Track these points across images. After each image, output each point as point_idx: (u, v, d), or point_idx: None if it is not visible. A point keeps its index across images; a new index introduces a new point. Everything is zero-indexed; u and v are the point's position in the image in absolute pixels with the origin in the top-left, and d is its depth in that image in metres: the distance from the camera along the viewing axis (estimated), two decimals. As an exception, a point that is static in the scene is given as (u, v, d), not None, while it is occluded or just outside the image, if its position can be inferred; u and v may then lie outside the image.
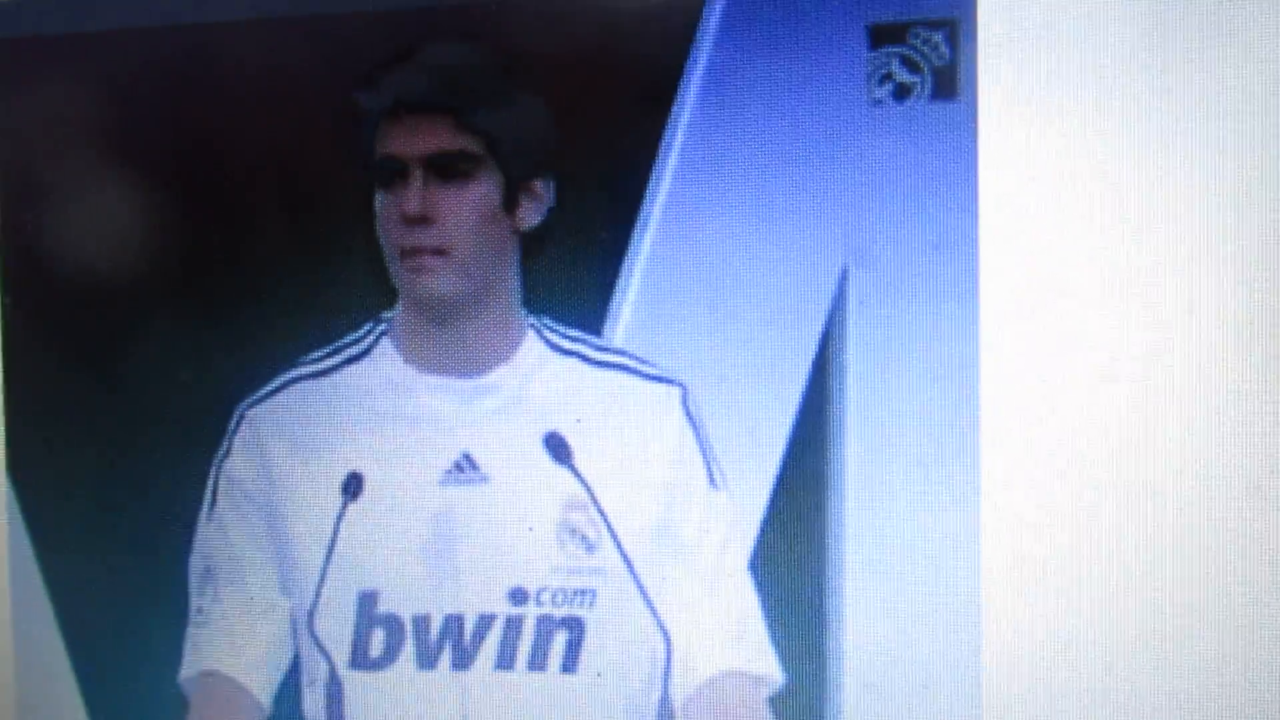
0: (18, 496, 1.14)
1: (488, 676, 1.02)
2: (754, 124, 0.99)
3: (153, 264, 1.10)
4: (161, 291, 1.10)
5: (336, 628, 1.04)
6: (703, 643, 1.01)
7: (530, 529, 1.02)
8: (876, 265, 0.98)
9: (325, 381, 1.06)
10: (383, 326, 1.06)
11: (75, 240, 1.13)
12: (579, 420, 1.02)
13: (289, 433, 1.06)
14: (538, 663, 1.02)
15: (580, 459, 1.02)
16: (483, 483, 1.03)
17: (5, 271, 1.14)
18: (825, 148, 0.98)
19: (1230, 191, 0.93)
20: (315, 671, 1.05)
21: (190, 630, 1.08)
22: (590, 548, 1.02)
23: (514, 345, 1.04)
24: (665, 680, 1.01)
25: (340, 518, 1.04)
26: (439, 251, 1.02)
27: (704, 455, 1.01)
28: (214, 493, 1.08)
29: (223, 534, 1.07)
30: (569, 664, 1.02)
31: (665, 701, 1.01)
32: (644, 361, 1.02)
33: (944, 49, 0.96)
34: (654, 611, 1.01)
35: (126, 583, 1.11)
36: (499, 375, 1.04)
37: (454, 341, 1.04)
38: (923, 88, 0.97)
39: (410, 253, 1.02)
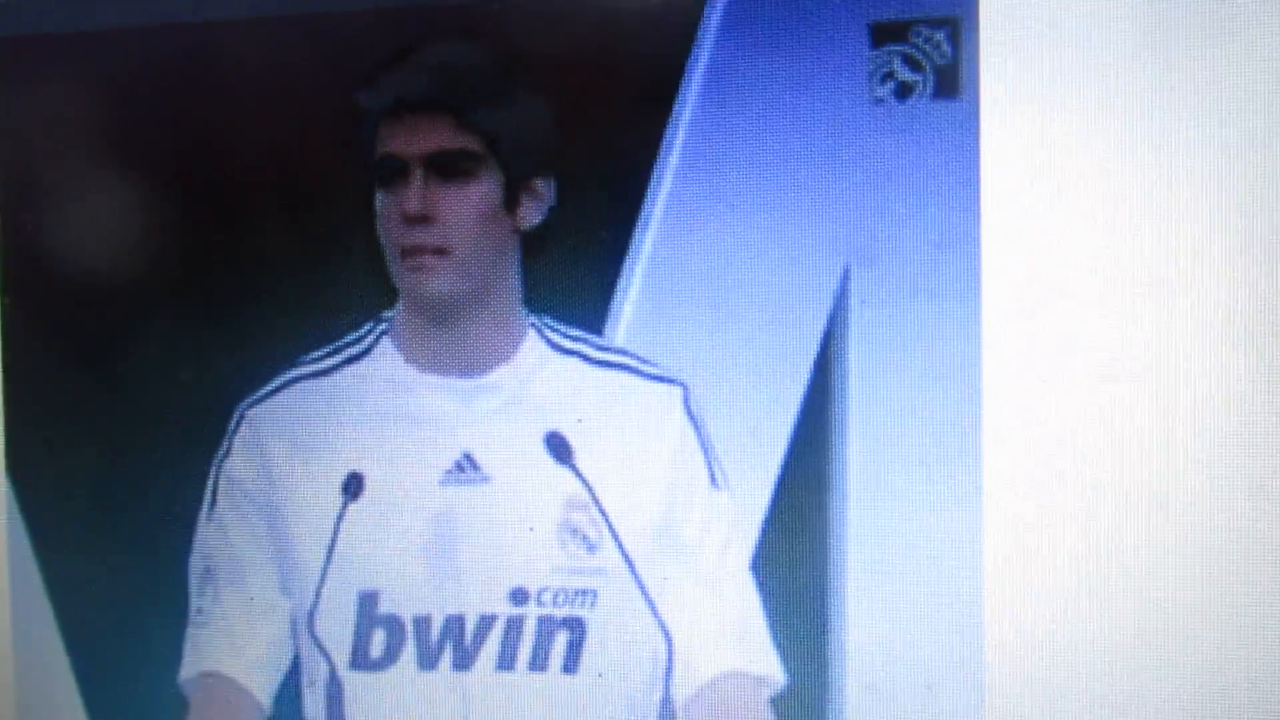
0: (18, 496, 1.14)
1: (489, 677, 1.02)
2: (755, 123, 0.99)
3: (153, 263, 1.10)
4: (161, 291, 1.10)
5: (337, 628, 1.04)
6: (704, 643, 1.01)
7: (531, 529, 1.02)
8: (878, 264, 0.98)
9: (326, 381, 1.06)
10: (383, 326, 1.06)
11: (75, 240, 1.12)
12: (580, 420, 1.02)
13: (289, 433, 1.06)
14: (539, 663, 1.02)
15: (581, 459, 1.02)
16: (484, 483, 1.03)
17: (5, 271, 1.13)
18: (827, 146, 0.98)
19: (1233, 190, 0.93)
20: (315, 672, 1.04)
21: (190, 631, 1.08)
22: (591, 548, 1.02)
23: (515, 345, 1.04)
24: (667, 681, 1.01)
25: (340, 518, 1.04)
26: (440, 251, 1.02)
27: (705, 455, 1.01)
28: (214, 493, 1.08)
29: (223, 534, 1.07)
30: (570, 664, 1.02)
31: (667, 702, 1.01)
32: (645, 361, 1.02)
33: (946, 47, 0.96)
34: (655, 612, 1.01)
35: (126, 583, 1.11)
36: (500, 375, 1.04)
37: (455, 341, 1.04)
38: (925, 86, 0.96)
39: (411, 252, 1.02)
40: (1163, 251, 0.93)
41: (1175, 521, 0.94)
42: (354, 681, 1.03)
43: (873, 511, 0.98)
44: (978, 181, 0.95)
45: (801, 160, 0.98)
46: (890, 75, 0.97)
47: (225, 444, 1.07)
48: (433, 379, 1.04)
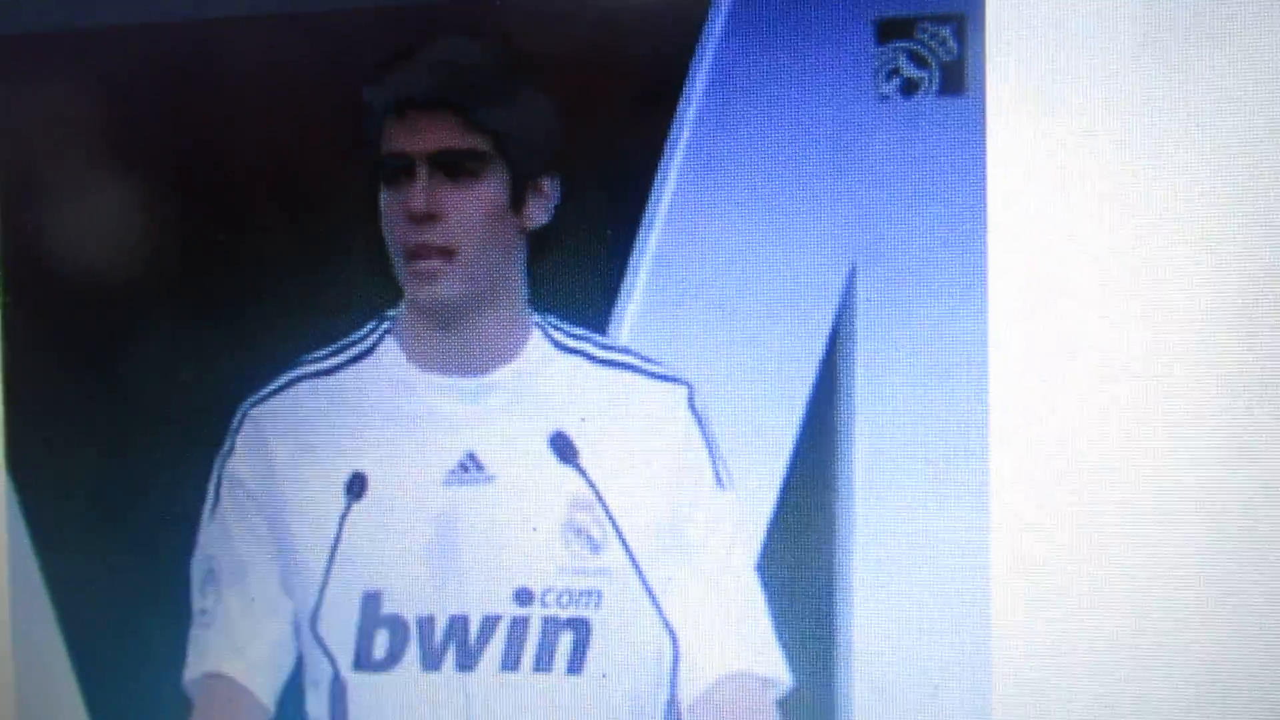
0: (18, 496, 1.13)
1: (493, 678, 1.02)
2: (760, 121, 0.99)
3: (154, 263, 1.10)
4: (163, 290, 1.10)
5: (340, 629, 1.03)
6: (709, 644, 1.01)
7: (535, 529, 1.02)
8: (884, 263, 0.97)
9: (329, 381, 1.06)
10: (386, 325, 1.05)
11: (75, 239, 1.12)
12: (584, 419, 1.02)
13: (292, 432, 1.05)
14: (543, 664, 1.01)
15: (586, 458, 1.01)
16: (487, 482, 1.02)
17: (5, 271, 1.13)
18: (832, 144, 0.98)
19: (1239, 188, 0.92)
20: (319, 673, 1.04)
21: (193, 632, 1.07)
22: (596, 548, 1.01)
23: (519, 344, 1.03)
24: (672, 681, 1.01)
25: (344, 518, 1.04)
26: (445, 250, 1.01)
27: (710, 455, 1.01)
28: (216, 493, 1.07)
29: (225, 534, 1.07)
30: (574, 665, 1.01)
31: (672, 703, 1.01)
32: (649, 360, 1.02)
33: (952, 44, 0.96)
34: (660, 612, 1.01)
35: (127, 583, 1.11)
36: (504, 374, 1.03)
37: (459, 341, 1.04)
38: (930, 83, 0.96)
39: (416, 251, 1.02)
40: (1169, 249, 0.93)
41: (1182, 521, 0.94)
42: (357, 682, 1.03)
43: (879, 511, 0.98)
44: (984, 178, 0.95)
45: (806, 158, 0.98)
46: (896, 72, 0.97)
47: (228, 443, 1.07)
48: (436, 378, 1.04)
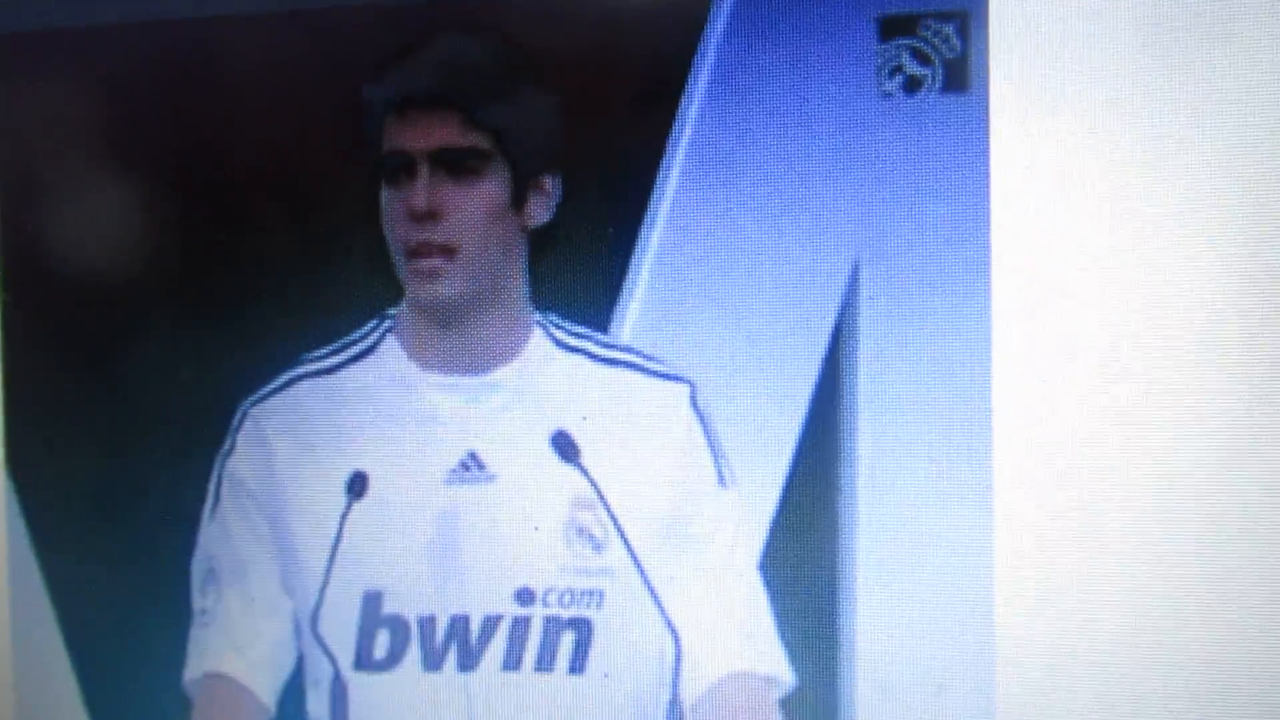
0: (18, 496, 1.13)
1: (494, 678, 1.02)
2: (762, 118, 0.98)
3: (155, 261, 1.10)
4: (164, 289, 1.10)
5: (340, 628, 1.03)
6: (712, 643, 1.00)
7: (537, 528, 1.01)
8: (887, 260, 0.97)
9: (330, 379, 1.05)
10: (387, 323, 1.05)
11: (75, 238, 1.12)
12: (585, 418, 1.02)
13: (293, 431, 1.05)
14: (545, 664, 1.01)
15: (587, 457, 1.01)
16: (489, 482, 1.02)
17: (5, 270, 1.13)
18: (835, 142, 0.98)
19: (1244, 185, 0.92)
20: (319, 673, 1.04)
21: (193, 631, 1.07)
22: (598, 547, 1.01)
23: (521, 342, 1.03)
24: (675, 681, 1.01)
25: (344, 517, 1.03)
26: (447, 249, 1.01)
27: (713, 453, 1.01)
28: (217, 492, 1.07)
29: (225, 534, 1.06)
30: (576, 665, 1.01)
31: (675, 702, 1.01)
32: (651, 358, 1.01)
33: (955, 41, 0.95)
34: (663, 611, 1.00)
35: (127, 583, 1.11)
36: (505, 373, 1.03)
37: (460, 339, 1.03)
38: (933, 80, 0.96)
39: (417, 250, 1.01)
40: (1172, 247, 0.93)
41: (1186, 521, 0.94)
42: (358, 682, 1.03)
43: (882, 510, 0.98)
44: (987, 176, 0.95)
45: (809, 155, 0.98)
46: (899, 69, 0.96)
47: (228, 442, 1.07)
48: (438, 377, 1.04)
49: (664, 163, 1.00)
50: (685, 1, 0.99)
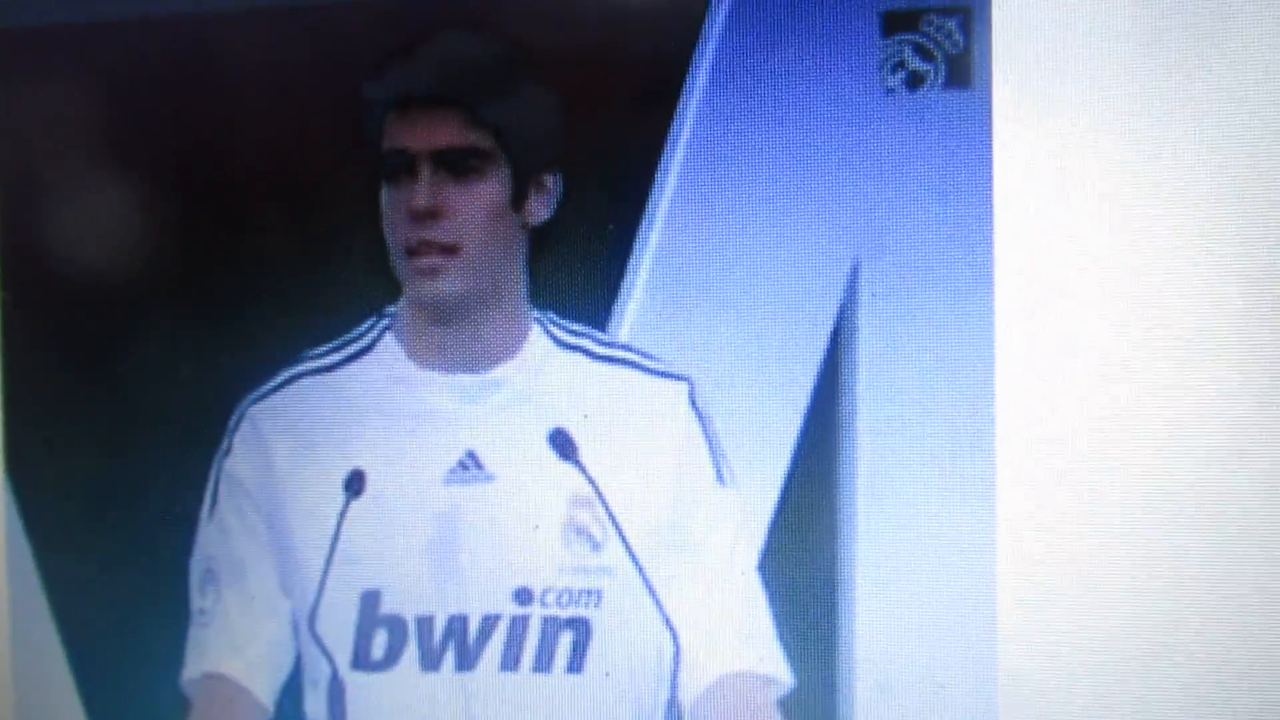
0: (17, 496, 1.13)
1: (492, 678, 1.01)
2: (763, 114, 0.98)
3: (153, 261, 1.10)
4: (162, 288, 1.10)
5: (338, 628, 1.03)
6: (711, 643, 1.00)
7: (536, 528, 1.01)
8: (888, 258, 0.97)
9: (327, 378, 1.05)
10: (386, 321, 1.05)
11: (75, 237, 1.12)
12: (585, 416, 1.01)
13: (291, 430, 1.05)
14: (543, 664, 1.01)
15: (586, 456, 1.01)
16: (487, 481, 1.02)
17: (4, 268, 1.13)
18: (836, 138, 0.97)
19: (1250, 181, 0.92)
20: (317, 672, 1.04)
21: (192, 632, 1.07)
22: (596, 546, 1.01)
23: (519, 341, 1.03)
24: (674, 681, 1.00)
25: (342, 516, 1.03)
26: (447, 248, 1.01)
27: (712, 452, 1.00)
28: (215, 492, 1.07)
29: (224, 534, 1.06)
30: (575, 664, 1.01)
31: (673, 702, 1.00)
32: (650, 357, 1.01)
33: (958, 36, 0.95)
34: (661, 611, 1.00)
35: (126, 583, 1.10)
36: (504, 371, 1.03)
37: (459, 338, 1.03)
38: (936, 76, 0.96)
39: (418, 249, 1.01)
40: (1175, 243, 0.92)
41: (1190, 520, 0.93)
42: (356, 682, 1.03)
43: (882, 509, 0.97)
44: (990, 172, 0.94)
45: (810, 151, 0.98)
46: (901, 65, 0.96)
47: (226, 442, 1.06)
48: (436, 376, 1.03)
49: (663, 160, 1.00)
50: (685, -3, 1.00)
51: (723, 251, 0.99)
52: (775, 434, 0.99)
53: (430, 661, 1.02)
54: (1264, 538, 0.93)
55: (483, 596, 1.01)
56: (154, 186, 1.09)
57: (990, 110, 0.94)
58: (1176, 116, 0.93)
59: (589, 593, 1.01)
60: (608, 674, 1.01)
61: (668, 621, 1.00)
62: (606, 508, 1.00)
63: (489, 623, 1.01)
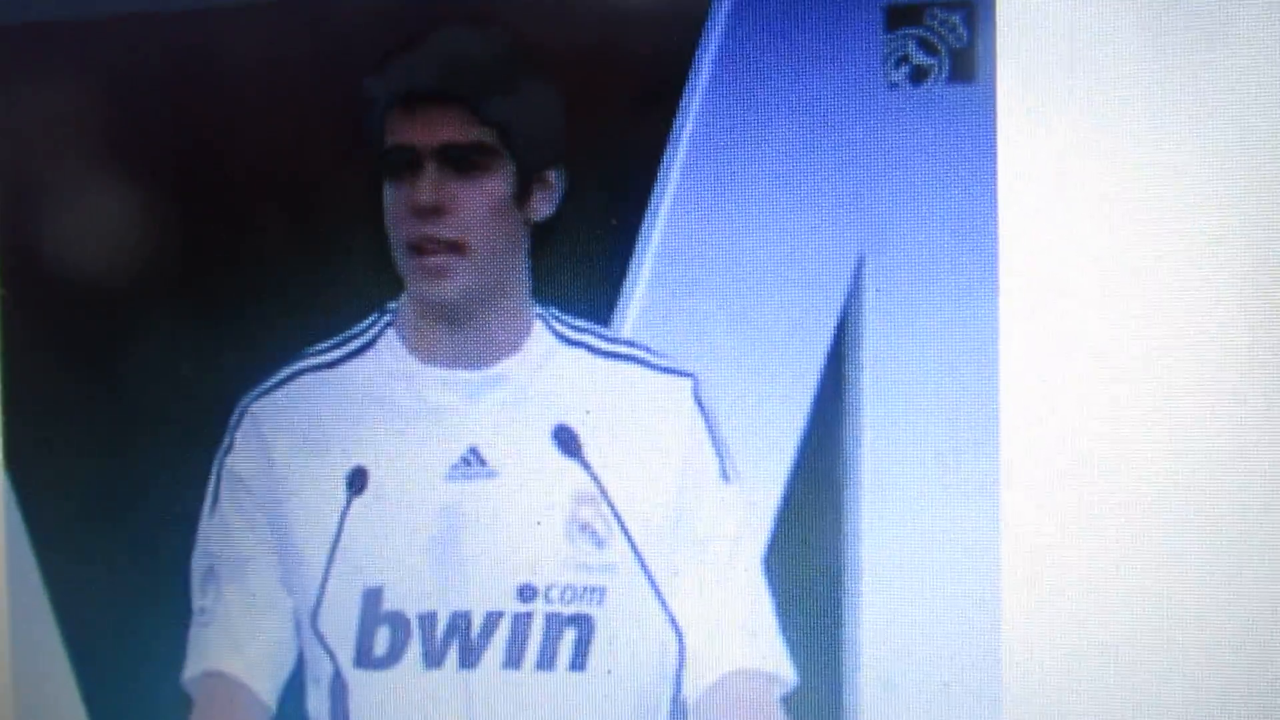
0: (17, 495, 1.13)
1: (494, 675, 1.01)
2: (767, 109, 0.98)
3: (154, 258, 1.09)
4: (162, 286, 1.09)
5: (340, 626, 1.02)
6: (715, 640, 1.00)
7: (539, 524, 1.01)
8: (893, 252, 0.97)
9: (329, 375, 1.05)
10: (387, 318, 1.05)
11: (75, 234, 1.12)
12: (588, 412, 1.01)
13: (292, 427, 1.05)
14: (546, 661, 1.01)
15: (590, 452, 1.01)
16: (490, 477, 1.01)
17: (3, 267, 1.12)
18: (840, 132, 0.97)
19: (1256, 176, 0.92)
20: (319, 670, 1.03)
21: (193, 630, 1.07)
22: (600, 543, 1.00)
23: (522, 336, 1.03)
24: (678, 678, 1.00)
25: (344, 513, 1.03)
26: (452, 245, 1.00)
27: (716, 448, 1.00)
28: (216, 490, 1.07)
29: (225, 531, 1.06)
30: (578, 662, 1.00)
31: (678, 699, 1.00)
32: (654, 352, 1.01)
33: (962, 30, 0.95)
34: (665, 608, 1.00)
35: (126, 582, 1.10)
36: (506, 367, 1.02)
37: (461, 334, 1.03)
38: (940, 70, 0.95)
39: (421, 246, 1.01)
40: (1183, 239, 0.92)
41: (1195, 517, 0.93)
42: (358, 680, 1.02)
43: (887, 506, 0.97)
44: (994, 167, 0.94)
45: (814, 146, 0.97)
46: (905, 59, 0.96)
47: (227, 439, 1.06)
48: (438, 372, 1.03)
49: (667, 155, 1.00)
50: (688, -7, 0.99)
51: (726, 247, 0.99)
52: (779, 430, 0.99)
53: (433, 659, 1.01)
54: (1267, 537, 0.92)
55: (485, 594, 1.01)
56: (153, 184, 1.09)
57: (994, 105, 0.94)
58: (1181, 111, 0.92)
59: (592, 590, 1.00)
60: (610, 671, 1.00)
61: (671, 619, 1.00)
62: (610, 504, 1.00)
63: (492, 620, 1.01)
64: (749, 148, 0.98)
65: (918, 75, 0.96)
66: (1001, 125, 0.94)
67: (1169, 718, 0.94)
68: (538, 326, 1.03)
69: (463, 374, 1.03)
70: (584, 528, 1.01)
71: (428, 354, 1.03)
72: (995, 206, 0.94)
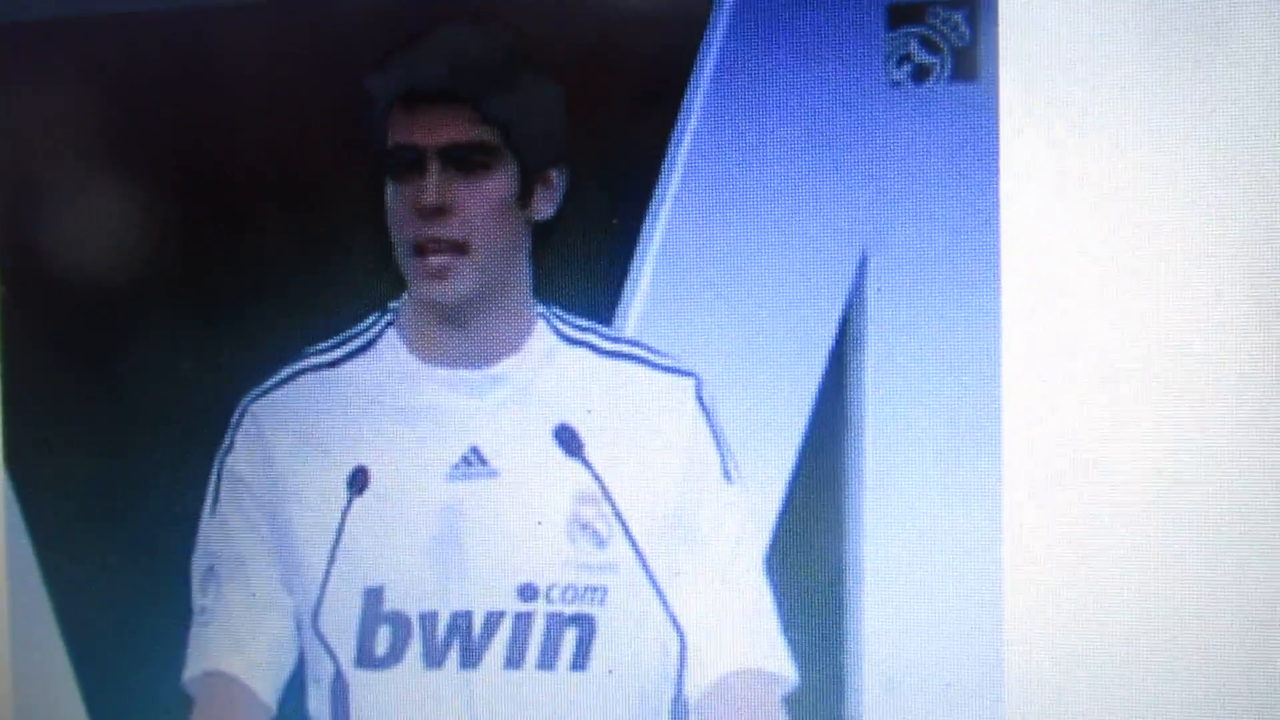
0: (17, 495, 1.13)
1: (496, 675, 1.01)
2: (769, 108, 0.98)
3: (155, 257, 1.09)
4: (162, 286, 1.09)
5: (341, 625, 1.02)
6: (716, 640, 1.00)
7: (540, 524, 1.01)
8: (895, 251, 0.97)
9: (330, 374, 1.05)
10: (388, 317, 1.04)
11: (76, 233, 1.11)
12: (590, 411, 1.01)
13: (292, 426, 1.04)
14: (547, 661, 1.00)
15: (591, 452, 1.00)
16: (491, 477, 1.01)
17: (3, 265, 1.12)
18: (842, 131, 0.97)
19: (1256, 176, 0.91)
20: (320, 670, 1.03)
21: (194, 630, 1.06)
22: (601, 543, 1.00)
23: (524, 336, 1.02)
24: (679, 677, 1.00)
25: (345, 513, 1.03)
26: (456, 245, 1.00)
27: (718, 448, 1.00)
28: (217, 489, 1.06)
29: (225, 531, 1.06)
30: (579, 661, 1.00)
31: (679, 699, 1.00)
32: (656, 352, 1.01)
33: (964, 29, 0.95)
34: (667, 608, 1.00)
35: (127, 583, 1.10)
36: (508, 366, 1.02)
37: (463, 333, 1.03)
38: (942, 69, 0.95)
39: (425, 246, 1.00)
40: (1187, 236, 0.92)
41: (1199, 516, 0.93)
42: (359, 679, 1.02)
43: (889, 506, 0.97)
44: (996, 166, 0.94)
45: (816, 145, 0.97)
46: (907, 58, 0.96)
47: (228, 439, 1.06)
48: (439, 371, 1.03)
49: (669, 154, 1.00)
50: (690, -9, 0.99)
51: (729, 246, 0.99)
52: (782, 430, 0.99)
53: (434, 659, 1.01)
54: (1267, 537, 0.92)
55: (486, 593, 1.01)
56: (153, 183, 1.09)
57: (996, 104, 0.94)
58: (1181, 111, 0.92)
59: (593, 589, 1.00)
60: (612, 671, 1.00)
61: (673, 618, 1.00)
62: (612, 504, 1.00)
63: (493, 620, 1.01)
64: (751, 146, 0.98)
65: (920, 74, 0.96)
66: (1003, 124, 0.94)
67: (1169, 717, 0.93)
68: (539, 326, 1.02)
69: (464, 373, 1.03)
70: (585, 527, 1.00)
71: (429, 353, 1.03)
72: (997, 205, 0.94)
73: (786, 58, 0.97)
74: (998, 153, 0.94)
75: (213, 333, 1.08)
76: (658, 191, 1.00)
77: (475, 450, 1.02)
